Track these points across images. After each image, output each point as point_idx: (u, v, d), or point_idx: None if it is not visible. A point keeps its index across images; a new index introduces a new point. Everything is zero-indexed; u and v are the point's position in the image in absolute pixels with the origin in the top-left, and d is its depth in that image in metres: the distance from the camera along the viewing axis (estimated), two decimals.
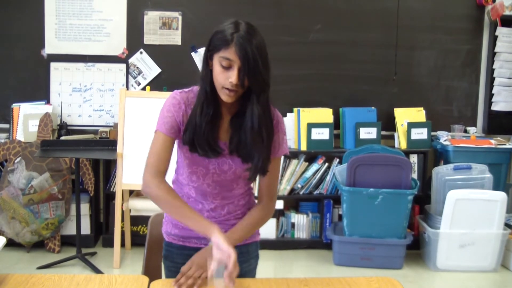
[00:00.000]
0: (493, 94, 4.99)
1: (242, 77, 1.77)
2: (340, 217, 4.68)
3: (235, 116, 1.92)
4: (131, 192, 4.56)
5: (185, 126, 1.90)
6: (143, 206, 4.40)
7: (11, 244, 4.39)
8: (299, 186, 4.74)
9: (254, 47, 1.77)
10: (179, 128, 1.93)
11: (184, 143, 1.92)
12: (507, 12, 4.88)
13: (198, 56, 4.75)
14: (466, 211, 4.17)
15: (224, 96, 1.83)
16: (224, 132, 1.94)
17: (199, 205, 2.02)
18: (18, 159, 4.43)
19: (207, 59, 1.87)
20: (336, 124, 4.82)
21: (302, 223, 4.80)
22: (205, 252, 1.89)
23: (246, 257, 2.09)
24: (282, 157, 2.32)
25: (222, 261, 1.76)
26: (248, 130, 1.87)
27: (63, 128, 4.70)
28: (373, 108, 4.85)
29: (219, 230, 1.83)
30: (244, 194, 2.07)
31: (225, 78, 1.79)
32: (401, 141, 4.80)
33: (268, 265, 4.40)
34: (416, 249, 4.59)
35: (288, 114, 4.77)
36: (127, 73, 4.82)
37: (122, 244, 4.52)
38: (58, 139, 4.55)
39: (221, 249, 1.76)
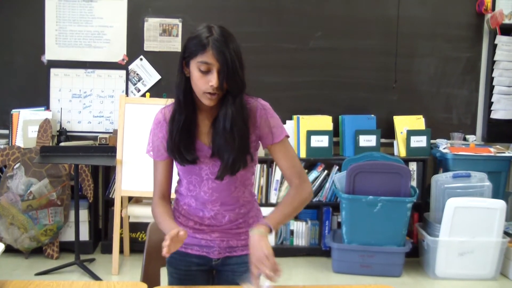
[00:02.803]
0: (492, 102, 5.00)
1: (221, 79, 1.79)
2: (339, 224, 4.67)
3: (216, 119, 1.93)
4: (130, 199, 4.56)
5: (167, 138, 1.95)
6: (142, 213, 4.39)
7: (9, 250, 4.38)
8: None
9: (231, 49, 1.79)
10: (166, 147, 1.98)
11: (168, 154, 1.97)
12: (506, 21, 4.89)
13: None
14: (465, 219, 4.17)
15: (206, 101, 1.85)
16: (207, 136, 1.95)
17: (199, 213, 2.02)
18: (17, 165, 4.43)
19: (182, 67, 1.88)
20: (335, 132, 4.81)
21: (301, 231, 4.79)
22: None
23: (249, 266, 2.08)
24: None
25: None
26: (220, 131, 1.88)
27: (63, 134, 4.70)
28: (372, 115, 4.85)
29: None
30: (245, 201, 2.05)
31: (205, 83, 1.81)
32: (400, 149, 4.80)
33: None
34: (415, 257, 4.58)
35: (287, 121, 4.77)
36: (127, 79, 4.82)
37: (121, 251, 4.51)
38: (58, 145, 4.55)
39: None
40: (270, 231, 1.86)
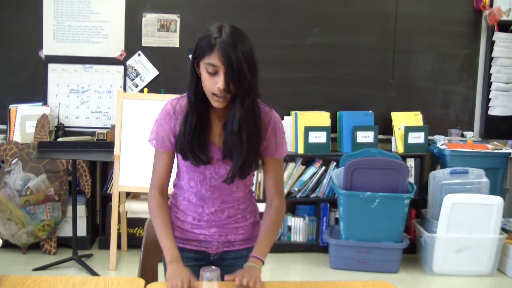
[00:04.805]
0: (490, 99, 5.00)
1: (228, 82, 1.76)
2: (337, 220, 4.68)
3: (227, 120, 1.92)
4: (127, 194, 4.55)
5: (177, 135, 1.93)
6: (140, 208, 4.39)
7: (7, 245, 4.39)
8: (296, 189, 4.74)
9: (239, 51, 1.75)
10: (171, 139, 1.96)
11: (176, 152, 1.95)
12: (504, 17, 4.89)
13: None
14: (462, 215, 4.17)
15: (214, 102, 1.83)
16: (218, 137, 1.94)
17: (199, 208, 2.02)
18: (14, 160, 4.43)
19: (194, 67, 1.87)
20: (333, 128, 4.81)
21: (298, 226, 4.80)
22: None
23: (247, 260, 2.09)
24: None
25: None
26: (228, 133, 1.87)
27: (60, 129, 4.69)
28: (370, 112, 4.85)
29: (176, 260, 1.90)
30: (244, 198, 2.06)
31: (213, 84, 1.79)
32: (398, 145, 4.81)
33: (264, 268, 4.35)
34: (413, 253, 4.59)
35: (285, 117, 4.77)
36: (125, 75, 4.82)
37: (119, 246, 4.50)
38: (55, 141, 4.55)
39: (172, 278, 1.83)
40: (263, 263, 1.96)
